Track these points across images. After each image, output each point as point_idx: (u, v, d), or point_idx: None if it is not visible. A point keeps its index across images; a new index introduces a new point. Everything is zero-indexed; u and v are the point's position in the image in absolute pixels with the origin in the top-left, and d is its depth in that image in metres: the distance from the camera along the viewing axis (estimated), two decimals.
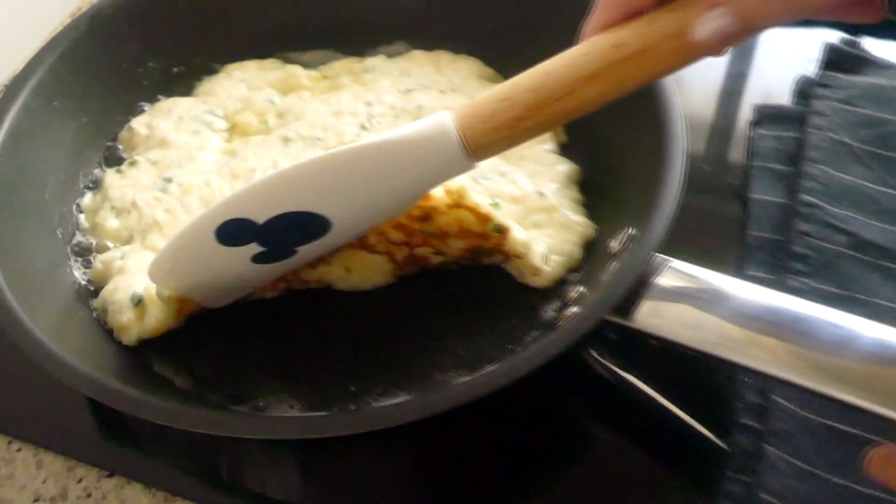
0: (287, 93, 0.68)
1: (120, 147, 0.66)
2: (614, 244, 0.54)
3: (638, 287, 0.49)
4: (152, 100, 0.68)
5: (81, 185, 0.64)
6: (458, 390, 0.49)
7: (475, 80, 0.67)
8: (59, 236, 0.60)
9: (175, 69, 0.70)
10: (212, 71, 0.71)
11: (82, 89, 0.64)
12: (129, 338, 0.55)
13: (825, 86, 0.65)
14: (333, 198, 0.48)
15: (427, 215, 0.56)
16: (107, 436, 0.56)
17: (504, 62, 0.68)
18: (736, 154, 0.67)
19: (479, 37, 0.69)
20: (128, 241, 0.60)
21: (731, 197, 0.64)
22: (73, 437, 0.55)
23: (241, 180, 0.61)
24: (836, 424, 0.50)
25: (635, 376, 0.55)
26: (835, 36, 0.70)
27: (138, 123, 0.66)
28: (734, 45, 0.39)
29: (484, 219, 0.56)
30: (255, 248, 0.50)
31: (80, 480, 0.54)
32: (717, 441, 0.52)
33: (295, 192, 0.48)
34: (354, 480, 0.53)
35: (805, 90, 0.67)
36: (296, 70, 0.69)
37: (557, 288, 0.57)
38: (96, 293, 0.58)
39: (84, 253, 0.60)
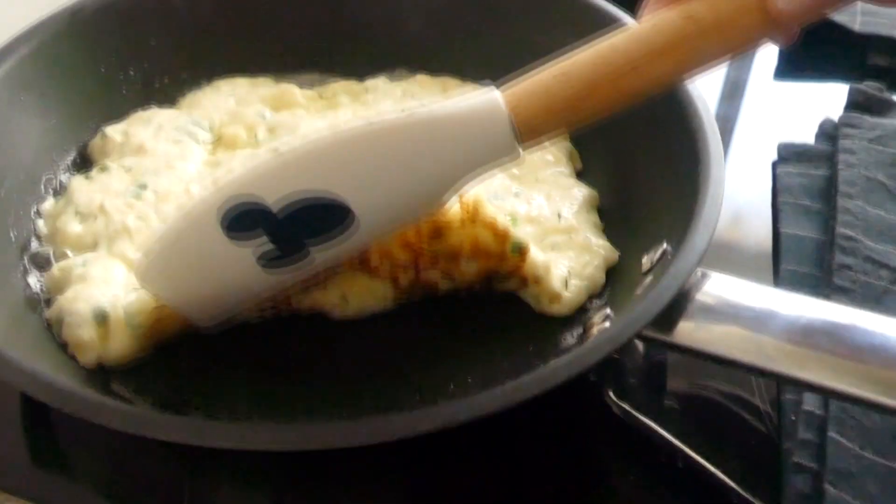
0: (280, 109, 0.63)
1: (90, 156, 0.60)
2: (647, 261, 0.49)
3: (679, 300, 0.44)
4: (130, 110, 0.63)
5: (43, 190, 0.57)
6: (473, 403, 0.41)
7: None
8: (13, 238, 0.53)
9: (159, 81, 0.65)
10: (198, 87, 0.65)
11: (54, 88, 0.59)
12: (86, 358, 0.48)
13: (852, 126, 0.63)
14: (359, 180, 0.42)
15: (439, 231, 0.50)
16: (39, 464, 0.48)
17: None
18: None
19: (486, 65, 0.65)
20: (91, 247, 0.53)
21: None
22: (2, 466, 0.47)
23: None
24: None
25: (654, 421, 0.49)
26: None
27: (113, 130, 0.60)
28: (809, 23, 0.36)
29: (501, 236, 0.50)
30: (263, 244, 0.44)
31: None
32: (739, 489, 0.45)
33: (317, 168, 0.42)
34: None
35: (829, 132, 0.64)
36: (290, 87, 0.64)
37: (578, 315, 0.51)
38: (50, 302, 0.50)
39: (39, 260, 0.53)
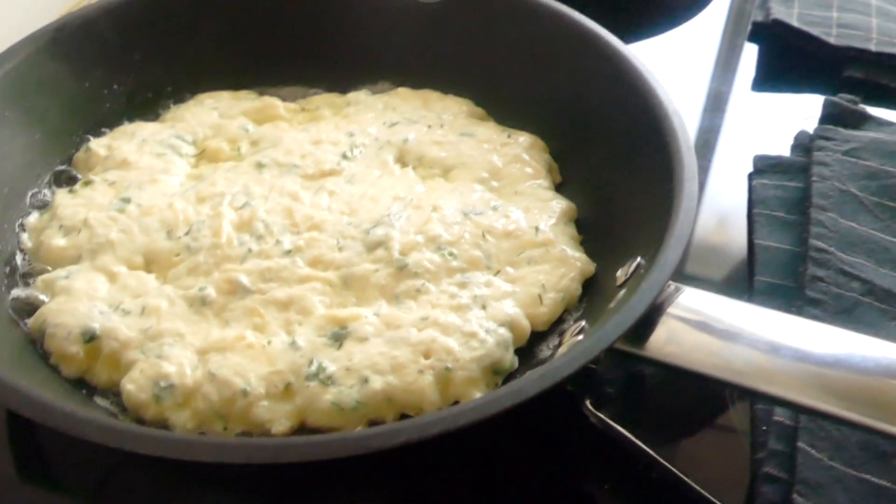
0: (262, 123, 0.64)
1: (74, 170, 0.61)
2: (621, 275, 0.50)
3: (651, 314, 0.44)
4: (114, 124, 0.63)
5: (28, 204, 0.57)
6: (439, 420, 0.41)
7: (465, 118, 0.64)
8: None
9: (142, 95, 0.65)
10: (182, 101, 0.66)
11: (38, 104, 0.59)
12: (69, 371, 0.49)
13: (827, 138, 0.63)
14: None
15: None
16: (25, 478, 0.48)
17: (493, 105, 0.65)
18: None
19: (467, 78, 0.66)
20: (75, 260, 0.53)
21: None
22: None
23: (208, 204, 0.56)
24: (869, 477, 0.45)
25: (630, 431, 0.49)
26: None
27: (97, 144, 0.61)
28: None
29: None
30: None
31: None
32: (712, 498, 0.46)
33: None
34: None
35: (804, 143, 0.65)
36: (273, 101, 0.65)
37: (555, 326, 0.52)
38: (31, 312, 0.51)
39: (22, 274, 0.54)
